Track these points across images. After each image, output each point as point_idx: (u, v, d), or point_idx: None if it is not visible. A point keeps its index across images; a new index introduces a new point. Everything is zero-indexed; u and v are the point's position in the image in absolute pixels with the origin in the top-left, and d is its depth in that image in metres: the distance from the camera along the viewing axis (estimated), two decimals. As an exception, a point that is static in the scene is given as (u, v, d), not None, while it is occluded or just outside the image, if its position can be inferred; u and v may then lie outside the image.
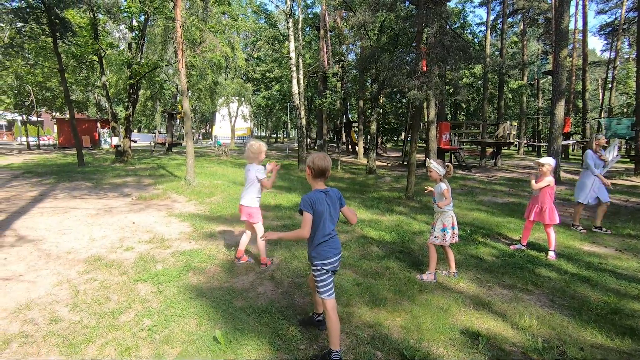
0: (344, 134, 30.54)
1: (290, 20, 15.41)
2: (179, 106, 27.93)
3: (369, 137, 16.95)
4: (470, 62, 6.95)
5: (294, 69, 15.45)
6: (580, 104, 29.26)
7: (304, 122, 16.74)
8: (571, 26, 24.33)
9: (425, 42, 8.11)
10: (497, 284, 3.68)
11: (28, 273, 3.65)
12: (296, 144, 27.12)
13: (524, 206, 7.94)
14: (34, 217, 5.79)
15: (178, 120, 37.44)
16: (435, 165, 3.80)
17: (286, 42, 23.57)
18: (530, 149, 34.04)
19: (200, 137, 48.42)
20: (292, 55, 15.35)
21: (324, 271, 2.37)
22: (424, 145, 21.19)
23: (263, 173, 3.87)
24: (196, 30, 12.52)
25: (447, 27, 8.33)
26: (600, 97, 36.21)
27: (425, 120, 15.76)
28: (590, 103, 33.47)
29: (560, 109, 12.31)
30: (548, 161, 4.56)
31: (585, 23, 24.63)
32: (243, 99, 31.01)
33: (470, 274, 3.90)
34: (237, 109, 35.75)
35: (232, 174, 12.31)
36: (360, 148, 22.56)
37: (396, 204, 7.93)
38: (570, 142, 24.60)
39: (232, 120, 34.91)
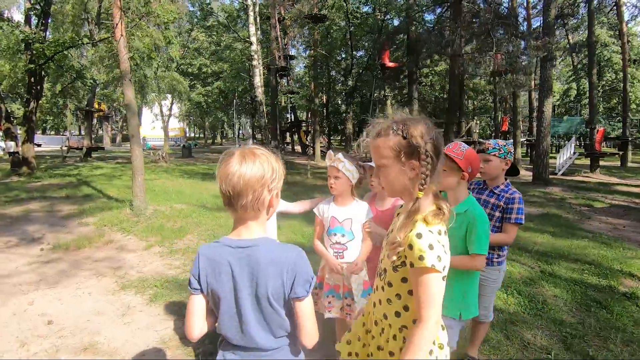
0: (289, 135, 28.48)
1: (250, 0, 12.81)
2: (96, 103, 23.07)
3: (342, 137, 15.06)
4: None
5: (255, 57, 12.86)
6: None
7: (266, 120, 14.23)
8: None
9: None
10: None
11: None
12: (238, 146, 24.19)
13: None
14: None
15: (95, 120, 31.60)
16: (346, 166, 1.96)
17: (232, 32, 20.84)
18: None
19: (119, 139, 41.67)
20: (253, 39, 12.73)
21: None
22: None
23: None
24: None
25: None
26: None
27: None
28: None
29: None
30: None
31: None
32: (180, 95, 26.95)
33: None
34: (171, 107, 31.34)
35: (190, 188, 9.32)
36: (317, 150, 21.15)
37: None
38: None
39: (165, 120, 30.42)
